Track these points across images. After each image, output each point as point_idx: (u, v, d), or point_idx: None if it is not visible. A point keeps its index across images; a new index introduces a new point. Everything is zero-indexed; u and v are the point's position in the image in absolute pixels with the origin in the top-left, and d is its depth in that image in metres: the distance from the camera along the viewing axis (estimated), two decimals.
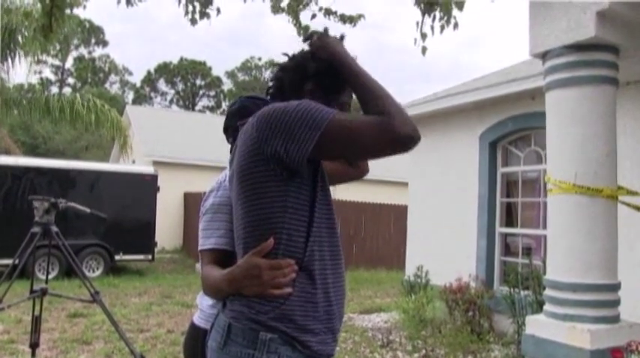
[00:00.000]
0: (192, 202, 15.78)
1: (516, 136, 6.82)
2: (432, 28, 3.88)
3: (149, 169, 12.69)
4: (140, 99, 44.48)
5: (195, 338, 1.90)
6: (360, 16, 4.08)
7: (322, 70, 1.58)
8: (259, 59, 48.59)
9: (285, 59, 1.68)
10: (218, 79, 46.94)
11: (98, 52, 44.75)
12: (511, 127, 6.73)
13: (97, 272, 10.91)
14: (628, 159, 4.33)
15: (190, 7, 3.89)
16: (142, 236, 11.61)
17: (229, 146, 1.99)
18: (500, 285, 6.73)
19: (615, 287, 3.94)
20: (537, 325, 4.12)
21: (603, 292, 3.89)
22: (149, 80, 45.87)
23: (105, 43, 44.85)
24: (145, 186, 11.84)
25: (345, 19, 4.05)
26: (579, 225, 3.94)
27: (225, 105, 47.11)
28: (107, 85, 45.27)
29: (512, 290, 5.91)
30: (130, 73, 46.93)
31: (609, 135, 4.00)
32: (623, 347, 3.26)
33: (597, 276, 3.88)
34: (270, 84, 1.68)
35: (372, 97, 1.41)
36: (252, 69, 48.78)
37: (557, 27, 4.08)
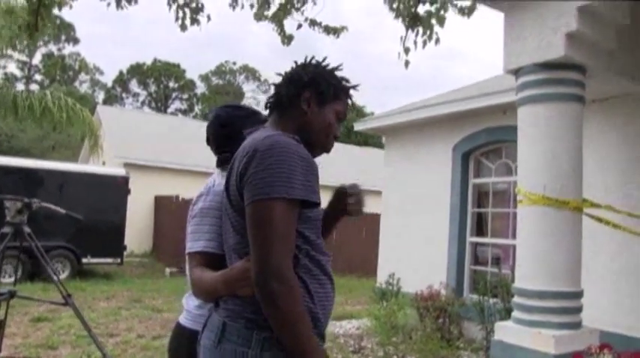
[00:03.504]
0: (163, 206, 15.65)
1: (488, 148, 7.02)
2: (415, 42, 4.01)
3: (120, 171, 12.56)
4: (111, 99, 43.83)
5: (181, 338, 1.95)
6: (343, 28, 4.18)
7: (317, 77, 1.67)
8: (234, 64, 48.51)
9: (279, 78, 1.75)
10: (192, 82, 46.63)
11: (68, 49, 43.95)
12: (483, 139, 6.93)
13: (63, 276, 10.66)
14: (592, 174, 4.53)
15: (181, 13, 3.93)
16: (111, 239, 11.47)
17: (216, 155, 2.09)
18: (469, 293, 6.90)
19: (579, 295, 4.12)
20: (505, 331, 4.26)
21: (567, 299, 4.06)
22: (121, 80, 45.27)
23: (76, 41, 44.09)
24: (116, 189, 11.72)
25: (329, 30, 4.15)
26: (546, 235, 4.11)
27: (197, 108, 46.79)
28: (77, 84, 44.45)
29: (481, 297, 6.07)
30: (102, 73, 46.22)
31: (576, 150, 4.19)
32: (584, 351, 3.41)
33: (562, 284, 4.05)
34: (269, 99, 1.74)
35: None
36: (226, 73, 48.62)
37: (529, 46, 4.26)
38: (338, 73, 1.75)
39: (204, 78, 47.62)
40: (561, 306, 4.03)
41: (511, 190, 6.65)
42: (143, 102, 46.42)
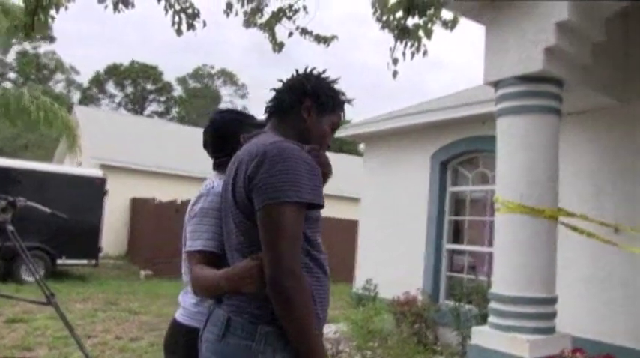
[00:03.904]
0: (139, 208, 15.52)
1: (466, 157, 7.18)
2: (404, 54, 4.13)
3: (97, 172, 12.44)
4: (87, 100, 43.20)
5: (178, 335, 2.00)
6: (333, 37, 4.28)
7: (319, 88, 1.75)
8: (211, 67, 48.32)
9: (279, 84, 1.82)
10: (169, 84, 46.27)
11: (44, 47, 43.22)
12: (461, 149, 7.08)
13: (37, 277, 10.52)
14: (568, 184, 4.69)
15: (177, 19, 3.97)
16: (87, 240, 11.34)
17: (212, 159, 2.17)
18: (445, 299, 7.03)
19: (553, 301, 4.26)
20: (481, 335, 4.38)
21: (542, 305, 4.20)
22: (97, 81, 44.69)
23: (52, 39, 43.39)
24: (93, 190, 11.60)
25: (319, 39, 4.24)
26: (523, 243, 4.24)
27: (174, 111, 46.43)
28: (51, 83, 43.71)
29: (457, 303, 6.20)
30: (77, 73, 45.53)
31: (552, 160, 4.35)
32: (558, 355, 3.54)
33: (537, 290, 4.19)
34: (270, 104, 1.81)
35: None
36: (203, 76, 48.40)
37: (509, 59, 4.41)
38: (336, 86, 1.83)
39: (182, 81, 47.32)
40: (536, 312, 4.17)
41: (487, 199, 6.81)
42: (119, 104, 45.88)
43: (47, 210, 4.53)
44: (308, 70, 1.82)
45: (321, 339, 1.54)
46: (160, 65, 46.82)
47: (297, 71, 1.81)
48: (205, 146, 2.17)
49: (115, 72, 44.39)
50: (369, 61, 68.00)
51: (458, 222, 7.30)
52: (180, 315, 2.03)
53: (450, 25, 4.47)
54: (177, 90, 47.00)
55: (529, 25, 4.23)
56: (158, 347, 6.09)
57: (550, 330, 4.22)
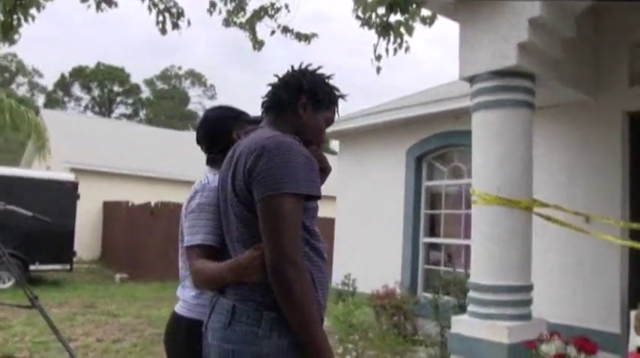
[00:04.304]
0: (112, 212, 15.32)
1: (440, 152, 7.33)
2: (387, 50, 4.22)
3: (69, 176, 12.24)
4: (52, 103, 42.30)
5: (178, 327, 2.04)
6: (313, 35, 4.34)
7: (315, 85, 1.81)
8: (179, 68, 47.84)
9: (275, 80, 1.86)
10: (136, 86, 45.63)
11: (4, 50, 42.10)
12: (436, 144, 7.23)
13: (9, 284, 10.33)
14: (541, 176, 4.84)
15: (161, 18, 3.97)
16: (60, 245, 11.16)
17: (205, 156, 2.22)
18: (423, 291, 7.16)
19: (529, 289, 4.41)
20: (462, 324, 4.50)
21: (519, 293, 4.35)
22: (63, 84, 43.79)
23: (12, 41, 42.24)
24: (65, 194, 11.42)
25: (300, 37, 4.29)
26: (499, 233, 4.38)
27: (142, 113, 45.80)
28: (14, 86, 42.64)
29: (435, 295, 6.33)
30: (41, 75, 44.58)
31: (527, 153, 4.50)
32: (536, 339, 3.67)
33: (514, 279, 4.34)
34: (266, 99, 1.85)
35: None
36: (171, 78, 47.89)
37: (483, 54, 4.55)
38: (330, 82, 1.88)
39: (149, 82, 46.73)
40: (514, 299, 4.31)
41: (462, 192, 6.98)
42: (86, 107, 45.07)
43: (28, 213, 4.48)
44: (303, 66, 1.86)
45: (322, 327, 1.59)
46: (127, 67, 46.12)
47: (292, 67, 1.86)
48: (199, 142, 2.21)
49: (80, 74, 43.56)
50: (334, 60, 68.15)
51: (434, 215, 7.45)
52: (180, 308, 2.07)
53: (429, 21, 4.59)
54: (145, 92, 46.39)
55: (503, 21, 4.37)
56: (141, 347, 6.09)
57: (527, 317, 4.37)
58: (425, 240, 7.38)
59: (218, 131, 2.14)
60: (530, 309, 4.42)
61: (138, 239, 12.66)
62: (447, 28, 5.46)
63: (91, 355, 5.74)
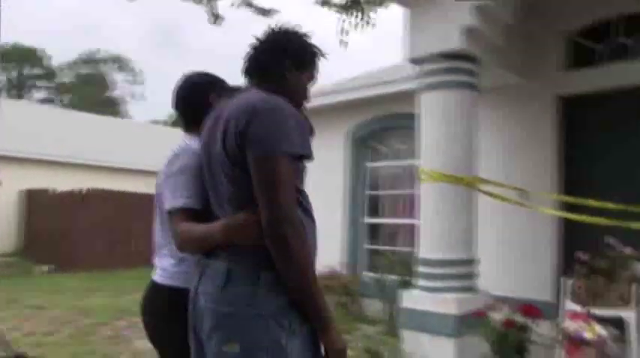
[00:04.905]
0: (35, 200, 14.50)
1: (382, 134, 7.47)
2: (352, 25, 4.24)
3: None
4: None
5: (159, 295, 2.01)
6: (275, 11, 4.28)
7: (299, 46, 1.81)
8: (102, 52, 45.71)
9: (257, 43, 1.82)
10: (57, 69, 43.22)
11: None
12: (377, 126, 7.37)
13: None
14: (482, 155, 5.04)
15: None
16: None
17: (183, 119, 2.17)
18: (367, 271, 7.31)
19: (475, 262, 4.63)
20: (411, 299, 4.67)
21: (466, 266, 4.56)
22: None
23: None
24: None
25: (261, 11, 4.23)
26: (446, 209, 4.57)
27: (63, 97, 43.50)
28: None
29: (380, 274, 6.49)
30: None
31: (471, 132, 4.70)
32: (485, 308, 3.87)
33: (461, 252, 4.55)
34: (249, 63, 1.82)
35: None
36: (94, 61, 45.71)
37: (430, 37, 4.69)
38: (310, 41, 1.86)
39: (71, 66, 44.40)
40: (461, 272, 4.52)
41: (404, 173, 7.17)
42: (1, 90, 42.22)
43: None
44: (283, 27, 1.84)
45: (319, 284, 1.60)
46: (47, 49, 43.52)
47: (272, 29, 1.83)
48: (176, 107, 2.17)
49: None
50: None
51: (376, 196, 7.60)
52: (159, 277, 2.03)
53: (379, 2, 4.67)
54: (67, 76, 44.04)
55: (449, 6, 4.51)
56: (77, 338, 5.85)
57: (473, 289, 4.60)
58: (367, 220, 7.52)
59: (197, 96, 2.11)
60: (476, 282, 4.64)
61: (65, 228, 12.09)
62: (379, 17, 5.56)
63: (24, 349, 5.45)
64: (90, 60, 44.83)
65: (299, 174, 1.67)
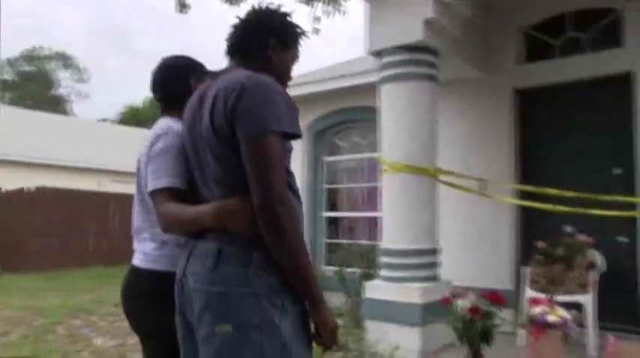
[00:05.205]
0: None
1: (340, 128, 7.49)
2: (325, 13, 4.22)
3: None
4: None
5: (140, 279, 1.94)
6: None
7: (283, 26, 1.78)
8: (46, 49, 44.07)
9: (239, 23, 1.78)
10: None
11: None
12: (335, 119, 7.38)
13: None
14: (442, 147, 5.11)
15: None
16: None
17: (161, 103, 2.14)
18: (326, 265, 7.31)
19: (437, 252, 4.69)
20: (375, 289, 4.68)
21: (429, 256, 4.61)
22: None
23: None
24: None
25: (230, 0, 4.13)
26: (409, 200, 4.61)
27: (4, 95, 41.76)
28: None
29: (340, 267, 6.50)
30: None
31: (432, 124, 4.76)
32: (451, 296, 3.91)
33: (424, 243, 4.60)
34: (233, 42, 1.78)
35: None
36: (37, 59, 44.03)
37: (391, 30, 4.72)
38: (292, 20, 1.84)
39: (12, 63, 42.63)
40: (424, 262, 4.57)
41: (362, 167, 7.21)
42: None
43: None
44: (266, 6, 1.81)
45: (310, 263, 1.59)
46: None
47: (255, 9, 1.80)
48: (154, 89, 2.13)
49: None
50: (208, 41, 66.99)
51: (334, 190, 7.61)
52: (140, 261, 1.96)
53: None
54: (8, 74, 42.26)
55: None
56: (33, 338, 5.62)
57: (436, 278, 4.66)
58: (326, 214, 7.53)
59: (177, 79, 2.09)
60: (439, 271, 4.70)
61: (14, 228, 11.61)
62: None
63: None
64: (33, 57, 43.13)
65: (287, 153, 1.64)
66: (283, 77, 1.81)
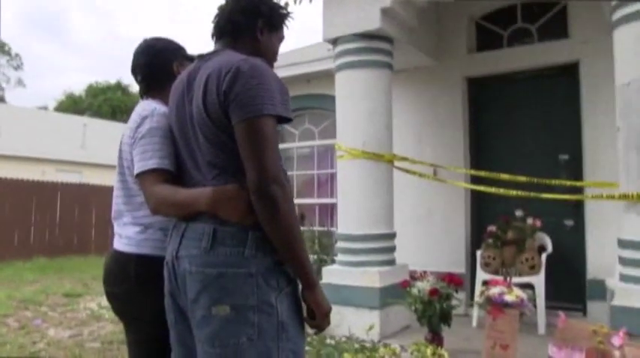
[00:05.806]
0: None
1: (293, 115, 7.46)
2: None
3: None
4: None
5: (125, 264, 1.89)
6: None
7: (271, 8, 1.78)
8: None
9: (228, 5, 1.77)
10: None
11: None
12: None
13: None
14: (395, 133, 5.20)
15: None
16: None
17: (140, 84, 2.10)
18: None
19: (394, 236, 4.80)
20: (333, 274, 4.74)
21: (386, 240, 4.71)
22: None
23: None
24: None
25: None
26: (366, 185, 4.68)
27: None
28: None
29: None
30: None
31: (388, 111, 4.84)
32: (411, 278, 4.01)
33: (381, 227, 4.69)
34: (221, 24, 1.76)
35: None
36: None
37: (348, 17, 4.75)
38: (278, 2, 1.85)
39: None
40: (381, 246, 4.66)
41: (314, 154, 7.24)
42: None
43: None
44: None
45: (305, 244, 1.60)
46: None
47: None
48: (135, 71, 2.08)
49: None
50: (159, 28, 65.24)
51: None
52: (124, 246, 1.91)
53: None
54: None
55: None
56: (8, 329, 5.38)
57: (393, 262, 4.76)
58: None
59: (161, 61, 2.05)
60: (395, 255, 4.81)
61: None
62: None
63: None
64: None
65: (278, 136, 1.65)
66: (270, 59, 1.81)
